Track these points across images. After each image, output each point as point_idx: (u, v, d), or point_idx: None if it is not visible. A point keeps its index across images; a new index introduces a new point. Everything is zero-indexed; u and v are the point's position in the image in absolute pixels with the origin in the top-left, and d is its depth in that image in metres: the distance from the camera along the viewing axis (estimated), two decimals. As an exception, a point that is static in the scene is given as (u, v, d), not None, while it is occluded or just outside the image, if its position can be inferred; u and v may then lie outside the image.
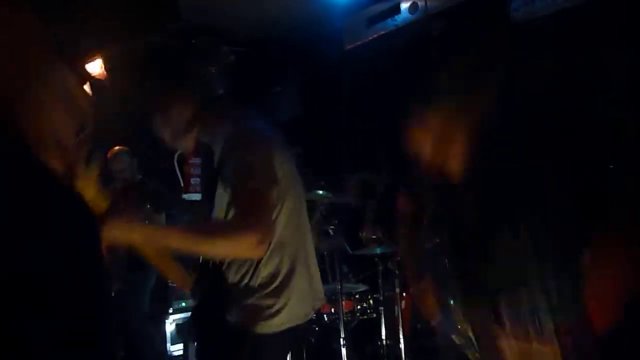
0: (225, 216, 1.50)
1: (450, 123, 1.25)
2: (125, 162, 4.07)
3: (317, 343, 3.14)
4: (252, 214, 1.39)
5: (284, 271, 1.55)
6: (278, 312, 1.53)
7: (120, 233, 1.30)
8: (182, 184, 4.90)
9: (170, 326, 4.38)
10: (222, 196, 1.51)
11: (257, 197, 1.41)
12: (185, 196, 4.91)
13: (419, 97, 1.33)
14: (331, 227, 2.99)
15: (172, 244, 1.38)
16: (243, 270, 1.55)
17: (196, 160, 4.98)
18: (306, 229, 1.68)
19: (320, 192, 3.12)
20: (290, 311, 1.54)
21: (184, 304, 4.40)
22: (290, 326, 1.55)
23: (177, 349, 4.33)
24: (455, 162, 1.26)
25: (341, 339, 2.96)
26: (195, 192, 4.93)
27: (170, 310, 4.42)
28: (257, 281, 1.54)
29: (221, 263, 1.57)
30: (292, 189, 1.58)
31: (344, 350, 2.95)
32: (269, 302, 1.53)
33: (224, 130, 1.59)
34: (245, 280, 1.55)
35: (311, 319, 3.11)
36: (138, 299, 3.91)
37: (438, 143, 1.26)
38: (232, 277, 1.58)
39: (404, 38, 3.93)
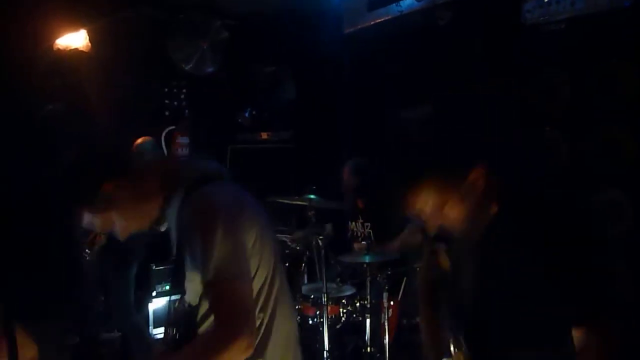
0: (198, 305, 1.36)
1: (446, 190, 1.21)
2: (147, 153, 3.83)
3: (300, 345, 3.09)
4: (235, 319, 1.26)
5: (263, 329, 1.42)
6: None
7: None
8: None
9: (152, 309, 4.35)
10: (191, 281, 1.36)
11: (236, 295, 1.27)
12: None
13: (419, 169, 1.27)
14: (320, 237, 2.87)
15: None
16: None
17: (183, 140, 4.87)
18: (282, 281, 1.50)
19: (312, 196, 2.99)
20: None
21: (167, 287, 4.34)
22: None
23: (159, 332, 4.30)
24: (454, 223, 1.23)
25: (325, 342, 2.90)
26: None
27: (154, 294, 4.37)
28: None
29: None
30: (265, 251, 1.41)
31: (326, 354, 2.89)
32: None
33: (181, 189, 1.38)
34: None
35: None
36: (123, 289, 3.83)
37: (436, 207, 1.22)
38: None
39: (408, 25, 3.73)
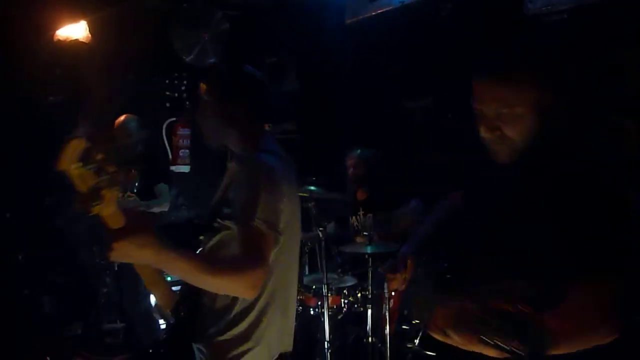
0: (220, 246, 1.54)
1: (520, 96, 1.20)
2: (132, 131, 3.84)
3: (301, 335, 3.11)
4: (255, 254, 1.39)
5: (257, 308, 1.55)
6: (244, 354, 1.54)
7: (132, 251, 1.25)
8: (170, 156, 4.77)
9: (154, 300, 4.36)
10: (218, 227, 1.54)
11: (262, 238, 1.41)
12: (173, 168, 4.76)
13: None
14: (320, 228, 2.88)
15: (176, 271, 1.32)
16: (222, 298, 1.56)
17: (184, 131, 4.85)
18: (292, 271, 1.66)
19: (312, 188, 2.99)
20: (255, 358, 1.55)
21: (169, 279, 4.35)
22: None
23: (161, 323, 4.32)
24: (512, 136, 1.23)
25: (326, 333, 2.91)
26: (184, 164, 4.79)
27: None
28: (231, 312, 1.55)
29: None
30: (290, 232, 1.55)
31: (327, 344, 2.91)
32: (236, 342, 1.53)
33: (237, 147, 1.64)
34: (221, 309, 1.56)
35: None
36: (133, 278, 3.84)
37: (502, 109, 1.22)
38: (209, 302, 1.58)
39: (410, 16, 3.71)
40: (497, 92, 1.22)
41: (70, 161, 1.18)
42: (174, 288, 1.64)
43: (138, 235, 1.25)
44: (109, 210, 1.24)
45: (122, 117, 3.88)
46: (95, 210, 1.21)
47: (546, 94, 1.21)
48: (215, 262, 1.42)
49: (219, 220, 1.56)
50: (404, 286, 1.78)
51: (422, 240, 1.70)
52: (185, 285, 1.62)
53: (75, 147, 1.19)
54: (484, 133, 1.27)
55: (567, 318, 1.10)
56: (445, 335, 1.09)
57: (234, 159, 1.69)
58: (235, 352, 1.53)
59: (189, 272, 1.31)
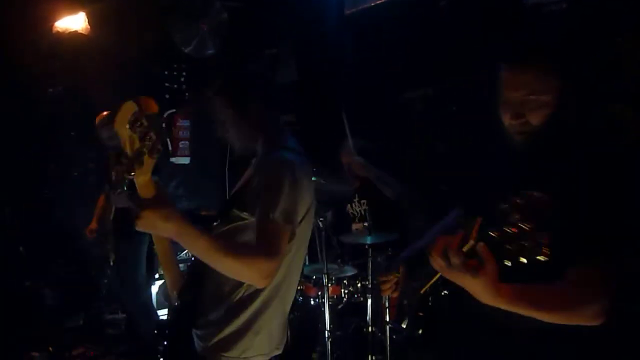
0: (231, 234, 1.56)
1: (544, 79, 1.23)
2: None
3: (302, 326, 3.13)
4: (271, 245, 1.43)
5: (260, 299, 1.57)
6: (244, 351, 1.56)
7: (158, 221, 1.29)
8: (169, 147, 4.77)
9: (155, 292, 4.39)
10: (233, 218, 1.57)
11: (279, 231, 1.45)
12: (173, 159, 4.77)
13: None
14: (321, 219, 2.89)
15: (194, 247, 1.37)
16: (226, 284, 1.57)
17: (184, 123, 4.86)
18: (297, 267, 1.69)
19: (312, 178, 2.99)
20: (254, 348, 1.58)
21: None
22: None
23: (163, 314, 4.35)
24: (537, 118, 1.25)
25: (326, 323, 2.93)
26: (183, 155, 4.79)
27: (157, 276, 4.42)
28: (233, 300, 1.57)
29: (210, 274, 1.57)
30: (303, 227, 1.59)
31: (327, 334, 2.93)
32: (236, 331, 1.56)
33: (260, 145, 1.66)
34: (224, 296, 1.58)
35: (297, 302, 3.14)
36: (132, 270, 3.86)
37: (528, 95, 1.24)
38: (213, 288, 1.59)
39: (409, 6, 3.70)
40: (527, 79, 1.24)
41: (122, 122, 1.22)
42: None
43: (165, 207, 1.29)
44: (145, 178, 1.28)
45: (105, 114, 3.75)
46: (136, 174, 1.25)
47: (567, 82, 1.24)
48: (232, 247, 1.45)
49: (235, 210, 1.58)
50: (395, 292, 1.82)
51: (419, 248, 1.73)
52: (191, 268, 1.66)
53: (128, 109, 1.22)
54: (508, 119, 1.29)
55: (557, 292, 1.14)
56: (445, 257, 1.09)
57: (258, 156, 1.71)
58: (234, 342, 1.55)
59: (206, 250, 1.35)
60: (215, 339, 1.56)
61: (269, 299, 1.58)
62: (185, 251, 4.23)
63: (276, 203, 1.46)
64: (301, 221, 1.54)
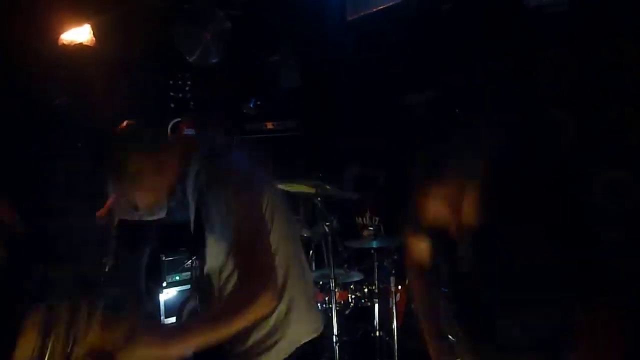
0: (223, 265, 1.48)
1: (456, 189, 1.24)
2: None
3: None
4: (258, 275, 1.36)
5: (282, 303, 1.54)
6: (276, 343, 1.54)
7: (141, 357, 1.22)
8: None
9: (163, 299, 4.40)
10: (210, 246, 1.46)
11: (258, 253, 1.38)
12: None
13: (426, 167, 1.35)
14: (327, 223, 2.90)
15: (192, 345, 1.28)
16: None
17: (189, 132, 4.87)
18: (290, 240, 1.61)
19: (322, 184, 3.00)
20: (289, 340, 1.56)
21: (177, 278, 4.39)
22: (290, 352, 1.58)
23: (171, 322, 4.35)
24: (460, 220, 1.25)
25: (334, 328, 2.93)
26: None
27: (164, 284, 4.42)
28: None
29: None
30: (279, 217, 1.53)
31: (335, 339, 2.93)
32: (266, 336, 1.54)
33: (196, 161, 1.51)
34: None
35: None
36: (132, 275, 3.87)
37: (446, 207, 1.25)
38: None
39: (411, 11, 3.72)
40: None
41: None
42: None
43: (136, 345, 1.21)
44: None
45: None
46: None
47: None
48: (226, 310, 1.38)
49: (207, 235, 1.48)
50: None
51: None
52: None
53: None
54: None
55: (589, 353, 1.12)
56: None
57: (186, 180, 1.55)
58: (266, 344, 1.54)
59: (204, 337, 1.29)
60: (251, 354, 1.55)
61: (290, 304, 1.56)
62: (189, 261, 4.27)
63: (231, 220, 1.37)
64: (266, 207, 1.46)
